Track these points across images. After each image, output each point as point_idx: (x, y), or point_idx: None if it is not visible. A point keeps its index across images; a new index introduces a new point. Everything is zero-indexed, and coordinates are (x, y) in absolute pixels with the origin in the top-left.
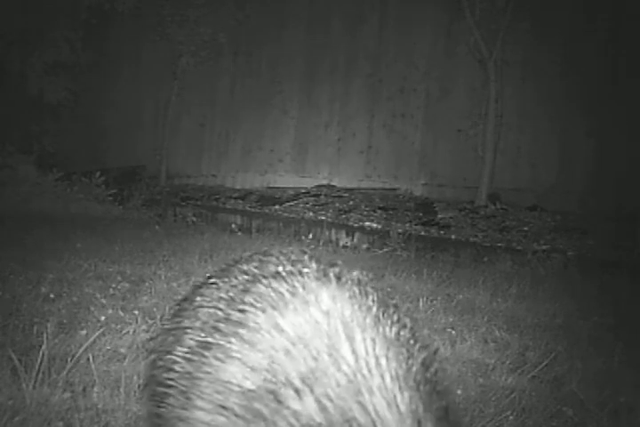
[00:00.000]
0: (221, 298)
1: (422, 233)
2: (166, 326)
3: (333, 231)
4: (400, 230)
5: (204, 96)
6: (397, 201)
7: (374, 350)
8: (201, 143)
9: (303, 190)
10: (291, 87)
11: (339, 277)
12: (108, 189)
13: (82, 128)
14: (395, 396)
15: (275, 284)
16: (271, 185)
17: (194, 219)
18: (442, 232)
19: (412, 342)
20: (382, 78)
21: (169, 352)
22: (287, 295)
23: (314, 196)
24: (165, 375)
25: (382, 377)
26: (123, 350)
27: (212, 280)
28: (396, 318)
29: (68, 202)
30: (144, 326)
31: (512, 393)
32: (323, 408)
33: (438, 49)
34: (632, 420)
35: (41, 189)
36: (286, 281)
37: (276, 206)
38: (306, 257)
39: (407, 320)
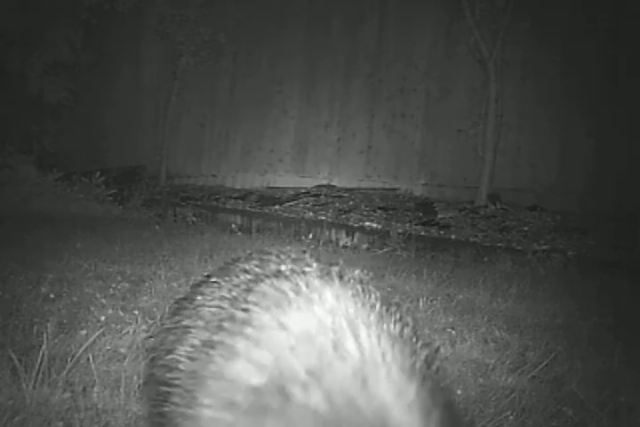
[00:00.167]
0: (223, 297)
1: (422, 233)
2: (166, 325)
3: (333, 231)
4: (400, 230)
5: (204, 96)
6: (397, 201)
7: (379, 345)
8: (201, 143)
9: (303, 190)
10: (291, 87)
11: (341, 276)
12: (107, 189)
13: (82, 128)
14: (402, 387)
15: (278, 283)
16: (271, 185)
17: (194, 219)
18: (442, 232)
19: (414, 339)
20: (382, 78)
21: (171, 351)
22: (291, 294)
23: (314, 196)
24: (168, 374)
25: (389, 370)
26: (123, 350)
27: (212, 279)
28: (398, 315)
29: (67, 202)
30: (144, 326)
31: (512, 393)
32: (330, 400)
33: (438, 49)
34: (632, 420)
35: (41, 189)
36: (289, 280)
37: (276, 206)
38: (307, 256)
39: (409, 319)
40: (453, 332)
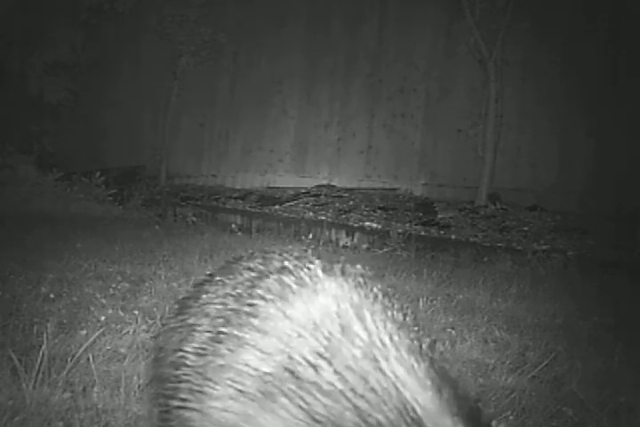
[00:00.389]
0: (228, 294)
1: (422, 233)
2: (171, 325)
3: (333, 231)
4: (400, 230)
5: (204, 96)
6: (397, 201)
7: (385, 329)
8: (201, 143)
9: (303, 190)
10: (290, 87)
11: (343, 271)
12: (107, 189)
13: (82, 128)
14: (412, 365)
15: (282, 277)
16: (271, 185)
17: (194, 219)
18: (442, 232)
19: (416, 328)
20: (382, 78)
21: (178, 349)
22: (295, 286)
23: (314, 196)
24: (176, 371)
25: (397, 349)
26: (123, 350)
27: (216, 278)
28: (399, 305)
29: (68, 202)
30: (144, 326)
31: (512, 393)
32: (342, 378)
33: (438, 49)
34: (632, 420)
35: (41, 189)
36: (293, 274)
37: (276, 206)
38: (309, 253)
39: (409, 310)
40: (453, 332)
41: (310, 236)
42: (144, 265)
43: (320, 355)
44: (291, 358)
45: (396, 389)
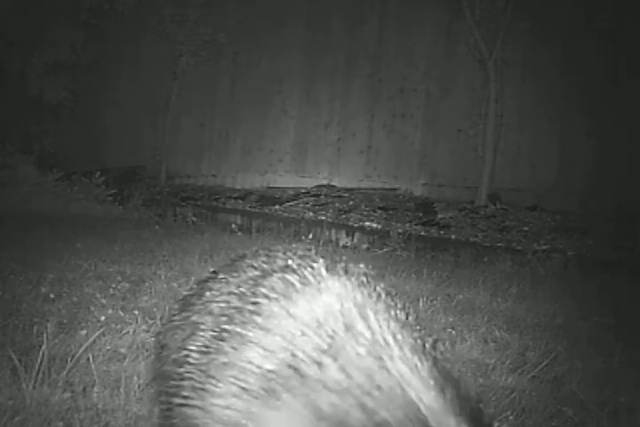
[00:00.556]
0: (232, 293)
1: (422, 233)
2: (174, 322)
3: (333, 231)
4: (400, 230)
5: (204, 96)
6: (397, 201)
7: (389, 327)
8: (201, 143)
9: (303, 190)
10: (290, 87)
11: (346, 270)
12: (107, 189)
13: (82, 128)
14: (416, 364)
15: (286, 276)
16: (271, 185)
17: (194, 219)
18: (442, 232)
19: (418, 327)
20: (382, 78)
21: (181, 347)
22: (299, 285)
23: (314, 196)
24: (179, 369)
25: (401, 348)
26: (123, 350)
27: (220, 276)
28: (401, 305)
29: (68, 202)
30: (144, 326)
31: (512, 393)
32: (347, 375)
33: (438, 49)
34: (632, 420)
35: (41, 189)
36: (297, 273)
37: (276, 206)
38: (312, 253)
39: (411, 310)
40: (453, 332)
41: (310, 236)
42: (144, 265)
43: (325, 353)
44: (294, 355)
45: (400, 387)
